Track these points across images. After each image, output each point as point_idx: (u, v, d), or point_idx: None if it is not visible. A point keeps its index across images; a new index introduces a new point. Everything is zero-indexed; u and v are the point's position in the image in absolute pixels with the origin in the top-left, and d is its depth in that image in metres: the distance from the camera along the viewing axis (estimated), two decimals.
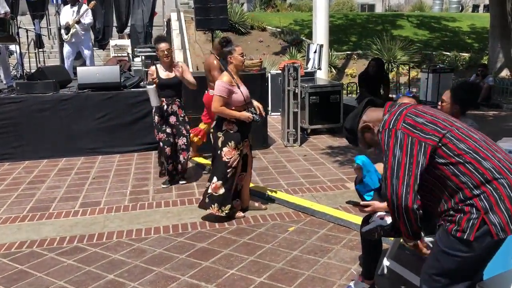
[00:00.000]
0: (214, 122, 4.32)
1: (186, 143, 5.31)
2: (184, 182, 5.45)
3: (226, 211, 4.29)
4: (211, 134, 4.37)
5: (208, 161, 6.19)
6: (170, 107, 5.19)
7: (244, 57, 4.35)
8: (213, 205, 4.28)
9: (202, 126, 6.03)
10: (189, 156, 6.21)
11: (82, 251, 3.84)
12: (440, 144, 2.03)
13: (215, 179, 4.26)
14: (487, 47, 13.31)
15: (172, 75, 5.17)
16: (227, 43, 4.39)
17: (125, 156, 6.65)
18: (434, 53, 14.67)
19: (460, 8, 23.37)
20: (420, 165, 2.02)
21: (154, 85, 5.02)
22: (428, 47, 15.27)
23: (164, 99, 5.14)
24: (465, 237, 2.00)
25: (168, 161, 5.26)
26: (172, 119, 5.22)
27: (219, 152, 4.23)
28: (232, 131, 4.21)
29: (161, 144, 5.21)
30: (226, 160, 4.22)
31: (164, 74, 5.16)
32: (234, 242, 3.91)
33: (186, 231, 4.17)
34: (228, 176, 4.26)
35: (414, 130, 2.05)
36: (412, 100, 2.77)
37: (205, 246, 3.86)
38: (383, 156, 2.12)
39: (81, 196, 5.11)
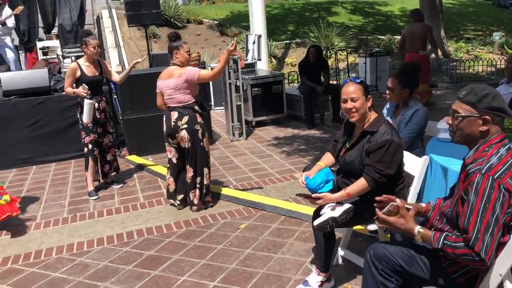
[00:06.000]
0: (186, 118, 4.22)
1: (112, 140, 5.16)
2: (119, 186, 5.21)
3: None
4: (184, 131, 4.22)
5: (147, 161, 5.95)
6: (100, 104, 4.95)
7: (190, 56, 4.46)
8: (208, 195, 4.46)
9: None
10: (124, 155, 6.01)
11: (17, 272, 3.51)
12: None
13: (206, 170, 4.39)
14: None
15: (97, 72, 4.92)
16: (176, 38, 4.39)
17: (62, 164, 6.25)
18: (369, 37, 14.99)
19: None
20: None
21: (93, 100, 4.78)
22: (363, 32, 15.60)
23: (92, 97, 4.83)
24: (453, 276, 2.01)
25: (96, 163, 5.03)
26: (101, 117, 4.99)
27: (201, 144, 4.31)
28: (202, 122, 4.34)
29: (90, 146, 4.89)
30: (207, 150, 4.41)
31: (89, 71, 4.85)
32: (184, 246, 3.73)
33: (132, 239, 3.93)
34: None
35: None
36: (358, 86, 2.69)
37: (153, 254, 3.65)
38: (464, 197, 1.95)
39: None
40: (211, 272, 3.31)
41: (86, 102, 4.70)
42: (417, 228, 2.06)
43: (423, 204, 2.34)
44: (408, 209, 2.15)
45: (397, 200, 2.19)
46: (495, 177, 1.88)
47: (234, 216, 4.26)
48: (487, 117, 1.98)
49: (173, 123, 4.25)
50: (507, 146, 1.98)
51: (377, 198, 2.25)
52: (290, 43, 14.36)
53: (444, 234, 1.99)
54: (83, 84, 4.70)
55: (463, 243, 1.91)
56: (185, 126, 4.22)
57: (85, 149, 4.92)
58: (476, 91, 2.01)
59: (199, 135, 4.29)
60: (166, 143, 4.41)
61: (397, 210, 2.11)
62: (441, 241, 1.97)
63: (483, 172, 1.90)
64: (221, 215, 4.29)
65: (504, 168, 1.91)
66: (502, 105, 1.98)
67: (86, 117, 4.75)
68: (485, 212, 1.87)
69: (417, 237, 2.05)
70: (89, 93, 4.71)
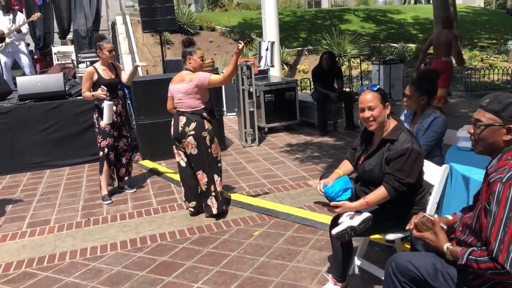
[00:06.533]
0: (194, 125, 4.18)
1: (127, 143, 5.17)
2: (132, 190, 5.20)
3: None
4: (191, 137, 4.19)
5: (160, 166, 5.95)
6: (117, 107, 4.97)
7: (204, 61, 4.41)
8: (224, 203, 4.42)
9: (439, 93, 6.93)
10: (137, 160, 5.99)
11: (31, 276, 3.51)
12: None
13: (216, 176, 4.31)
14: None
15: (113, 75, 4.94)
16: (189, 43, 4.36)
17: (75, 168, 6.27)
18: (382, 45, 14.94)
19: (403, 0, 24.01)
20: None
21: (112, 102, 4.79)
22: (376, 39, 15.55)
23: None
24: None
25: (111, 167, 5.04)
26: (118, 120, 5.00)
27: (209, 150, 4.25)
28: (211, 129, 4.29)
29: (106, 150, 4.89)
30: (215, 155, 4.32)
31: (106, 74, 4.87)
32: (198, 253, 3.70)
33: (145, 245, 3.92)
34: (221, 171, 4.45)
35: None
36: (376, 94, 2.65)
37: (166, 259, 3.63)
38: (487, 208, 1.89)
39: (29, 215, 4.73)
40: (225, 279, 3.27)
41: (106, 103, 4.71)
42: (446, 245, 2.02)
43: (450, 217, 2.29)
44: (442, 228, 2.11)
45: (435, 216, 2.14)
46: None
47: (247, 223, 4.23)
48: (511, 126, 1.94)
49: (180, 128, 4.23)
50: None
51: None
52: (302, 50, 14.36)
53: (470, 249, 1.93)
54: (102, 86, 4.72)
55: (487, 257, 1.85)
56: (193, 132, 4.19)
57: (101, 153, 4.92)
58: (500, 99, 1.97)
59: (207, 141, 4.23)
60: (173, 146, 4.39)
61: (430, 223, 2.08)
62: (465, 256, 1.92)
63: (504, 181, 1.85)
64: (234, 222, 4.26)
65: None
66: None
67: (106, 119, 4.76)
68: (509, 222, 1.81)
69: (447, 254, 2.01)
70: (108, 94, 4.73)
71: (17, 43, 8.37)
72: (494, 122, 1.95)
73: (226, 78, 4.23)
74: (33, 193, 5.41)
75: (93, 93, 4.77)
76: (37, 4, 9.73)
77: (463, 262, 1.92)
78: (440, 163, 2.97)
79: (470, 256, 1.90)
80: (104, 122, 4.79)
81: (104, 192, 4.96)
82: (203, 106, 4.27)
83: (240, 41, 4.22)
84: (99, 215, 4.63)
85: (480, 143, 2.01)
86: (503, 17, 20.50)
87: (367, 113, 2.66)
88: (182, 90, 4.20)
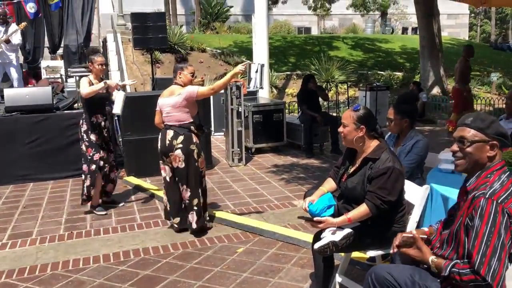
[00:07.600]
0: (181, 138, 4.20)
1: (114, 159, 5.21)
2: (121, 204, 5.23)
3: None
4: (179, 151, 4.20)
5: (145, 183, 5.94)
6: (105, 122, 5.00)
7: (194, 78, 4.47)
8: (205, 218, 4.46)
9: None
10: (122, 176, 6.02)
11: (11, 287, 3.47)
12: None
13: (200, 191, 4.35)
14: (418, 66, 14.00)
15: (104, 90, 4.96)
16: (182, 59, 4.51)
17: (59, 182, 6.23)
18: (369, 72, 15.23)
19: (391, 30, 24.59)
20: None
21: (125, 92, 4.88)
22: (363, 67, 15.86)
23: (99, 115, 4.91)
24: None
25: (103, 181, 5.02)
26: (107, 135, 5.04)
27: (196, 164, 4.27)
28: (198, 142, 4.32)
29: (101, 163, 4.89)
30: (200, 170, 4.35)
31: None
32: (181, 268, 3.70)
33: (128, 258, 3.90)
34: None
35: None
36: (352, 114, 2.77)
37: (149, 273, 3.62)
38: (470, 222, 1.96)
39: (10, 227, 4.68)
40: None
41: (121, 93, 4.83)
42: (431, 258, 2.09)
43: (426, 229, 2.36)
44: (423, 239, 2.18)
45: (413, 231, 2.21)
46: (499, 201, 1.91)
47: (231, 240, 4.24)
48: (495, 142, 2.04)
49: (168, 141, 4.25)
50: (508, 173, 2.03)
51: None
52: (291, 75, 14.58)
53: (453, 262, 1.99)
54: (83, 82, 4.80)
55: (469, 270, 1.92)
56: (180, 145, 4.21)
57: (93, 167, 4.85)
58: (482, 117, 2.08)
59: (194, 155, 4.26)
60: (160, 161, 4.40)
61: (411, 240, 2.16)
62: (448, 268, 1.98)
63: (487, 196, 1.93)
64: (218, 239, 4.27)
65: (506, 193, 1.94)
66: (507, 131, 2.05)
67: (119, 109, 4.84)
68: (491, 236, 1.88)
69: (432, 266, 2.07)
70: (120, 84, 4.87)
71: (8, 53, 8.36)
72: (480, 138, 2.04)
73: (215, 88, 4.33)
74: (15, 205, 5.36)
75: (106, 80, 4.83)
76: (29, 17, 9.78)
77: (446, 274, 1.98)
78: (421, 185, 3.04)
79: (453, 269, 1.96)
80: (116, 111, 4.86)
81: (98, 202, 4.96)
82: (191, 120, 4.31)
83: (246, 62, 4.36)
84: (82, 228, 4.60)
85: (466, 159, 2.07)
86: (487, 50, 21.10)
87: (340, 128, 2.84)
88: (171, 103, 4.25)
